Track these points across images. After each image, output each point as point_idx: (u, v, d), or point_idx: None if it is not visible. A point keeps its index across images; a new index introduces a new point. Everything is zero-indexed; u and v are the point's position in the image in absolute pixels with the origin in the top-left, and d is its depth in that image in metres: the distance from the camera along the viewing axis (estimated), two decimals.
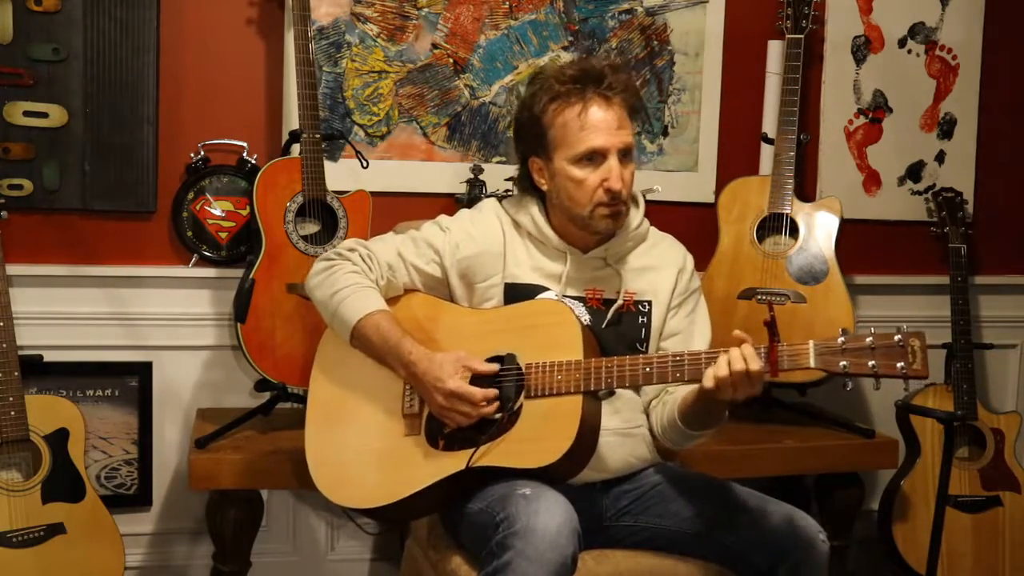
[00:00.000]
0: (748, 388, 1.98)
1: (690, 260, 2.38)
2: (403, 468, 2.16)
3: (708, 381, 1.99)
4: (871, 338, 1.92)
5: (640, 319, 2.29)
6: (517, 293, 2.26)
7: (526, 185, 2.33)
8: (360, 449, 2.22)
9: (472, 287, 2.28)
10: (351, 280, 2.23)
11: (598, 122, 2.18)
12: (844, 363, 1.93)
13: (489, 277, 2.27)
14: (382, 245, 2.32)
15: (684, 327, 2.33)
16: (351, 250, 2.30)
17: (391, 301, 2.27)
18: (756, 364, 1.95)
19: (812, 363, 1.94)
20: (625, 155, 2.21)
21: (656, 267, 2.33)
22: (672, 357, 2.07)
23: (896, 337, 1.92)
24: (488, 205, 2.37)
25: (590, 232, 2.25)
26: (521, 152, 2.32)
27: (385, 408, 2.23)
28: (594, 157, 2.19)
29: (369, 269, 2.27)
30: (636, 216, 2.33)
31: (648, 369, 2.08)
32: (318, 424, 2.27)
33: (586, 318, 2.24)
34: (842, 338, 1.94)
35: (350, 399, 2.26)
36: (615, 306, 2.27)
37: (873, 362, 1.91)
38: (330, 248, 2.68)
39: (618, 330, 2.27)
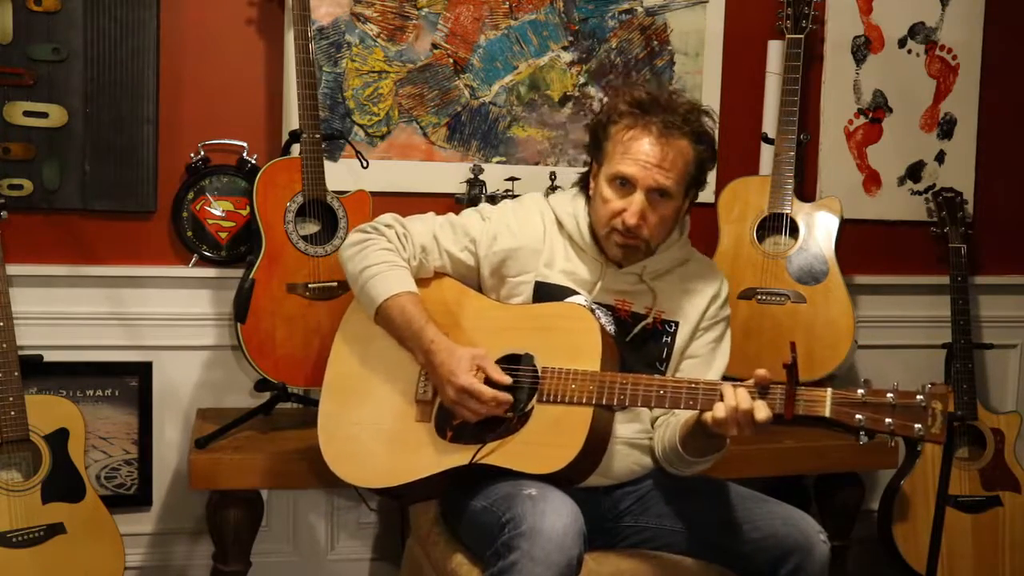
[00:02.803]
0: (754, 430, 1.97)
1: (725, 287, 2.36)
2: (409, 453, 2.17)
3: (719, 412, 1.97)
4: (892, 394, 1.88)
5: (664, 339, 2.28)
6: (547, 292, 2.25)
7: (584, 184, 2.33)
8: (371, 427, 2.23)
9: (503, 280, 2.28)
10: (383, 257, 2.24)
11: (640, 152, 2.16)
12: (860, 417, 1.89)
13: (522, 273, 2.27)
14: (420, 225, 2.32)
15: (705, 352, 2.32)
16: (388, 226, 2.30)
17: (422, 282, 2.27)
18: (764, 414, 1.94)
19: (828, 413, 1.92)
20: (661, 195, 2.17)
21: (691, 291, 2.31)
22: (687, 385, 2.05)
23: (918, 397, 1.87)
24: (532, 199, 2.36)
25: (607, 251, 2.25)
26: (588, 151, 2.33)
27: (400, 390, 2.24)
28: (625, 183, 2.17)
29: (403, 248, 2.27)
30: (678, 242, 2.31)
31: (662, 392, 2.06)
32: (333, 396, 2.29)
33: (612, 327, 2.23)
34: (862, 390, 1.91)
35: (367, 376, 2.27)
36: (643, 323, 2.26)
37: (890, 420, 1.87)
38: (330, 248, 2.70)
39: (641, 346, 2.26)
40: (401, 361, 2.24)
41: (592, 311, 2.22)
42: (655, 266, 2.28)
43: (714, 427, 1.99)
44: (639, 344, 2.26)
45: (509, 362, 2.18)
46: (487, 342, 2.19)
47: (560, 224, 2.30)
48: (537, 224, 2.30)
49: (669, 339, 2.28)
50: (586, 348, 2.12)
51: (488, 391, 2.09)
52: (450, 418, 2.17)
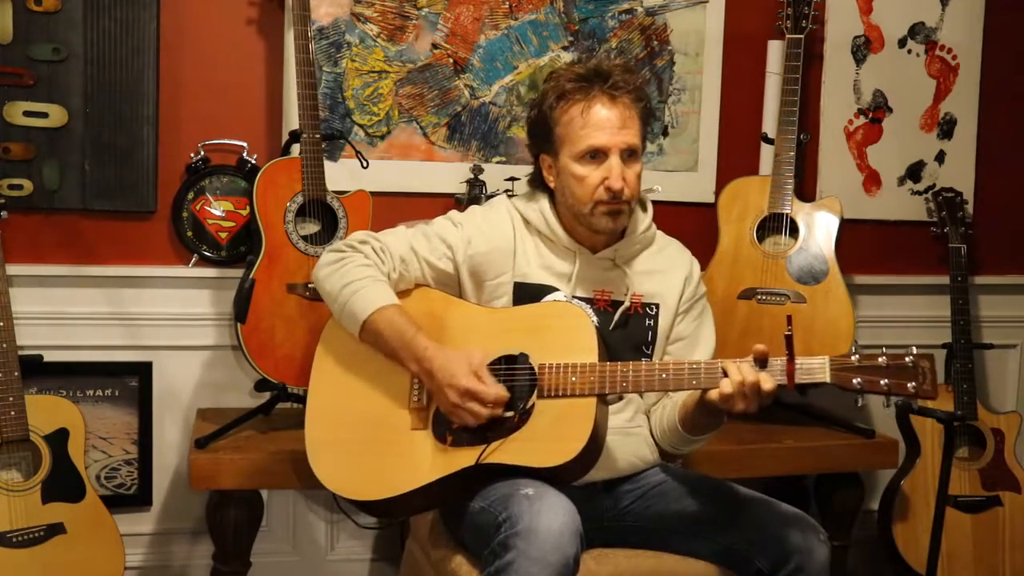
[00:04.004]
0: (760, 403, 2.00)
1: (696, 266, 2.40)
2: (409, 462, 2.15)
3: (726, 388, 2.00)
4: (883, 357, 1.97)
5: (647, 322, 2.30)
6: (526, 292, 2.26)
7: (537, 183, 2.34)
8: (364, 441, 2.20)
9: (482, 284, 2.28)
10: (363, 273, 2.21)
11: (601, 120, 2.19)
12: (858, 380, 1.96)
13: (499, 275, 2.27)
14: (394, 238, 2.30)
15: (690, 332, 2.34)
16: (363, 242, 2.28)
17: (402, 295, 2.26)
18: (771, 384, 1.98)
19: (827, 378, 1.98)
20: (630, 155, 2.21)
21: (663, 271, 2.34)
22: (689, 366, 2.07)
23: (907, 358, 1.96)
24: (500, 202, 2.37)
25: (592, 230, 2.25)
26: (532, 150, 2.34)
27: (391, 401, 2.21)
28: (596, 155, 2.20)
29: (381, 262, 2.25)
30: (644, 219, 2.33)
31: (664, 376, 2.08)
32: (320, 414, 2.26)
33: (594, 319, 2.24)
34: (856, 356, 1.98)
35: (354, 391, 2.24)
36: (622, 308, 2.27)
37: (886, 380, 1.96)
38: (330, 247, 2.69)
39: (624, 332, 2.27)
40: (388, 373, 2.21)
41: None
42: (626, 249, 2.30)
43: (720, 403, 2.02)
44: (623, 330, 2.27)
45: (504, 363, 2.18)
46: (479, 347, 2.18)
47: (527, 222, 2.31)
48: (507, 225, 2.30)
49: (652, 322, 2.30)
50: (581, 343, 2.13)
51: (491, 391, 2.09)
52: (448, 423, 2.16)
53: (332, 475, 2.20)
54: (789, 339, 1.98)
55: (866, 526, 3.32)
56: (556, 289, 2.26)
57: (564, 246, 2.28)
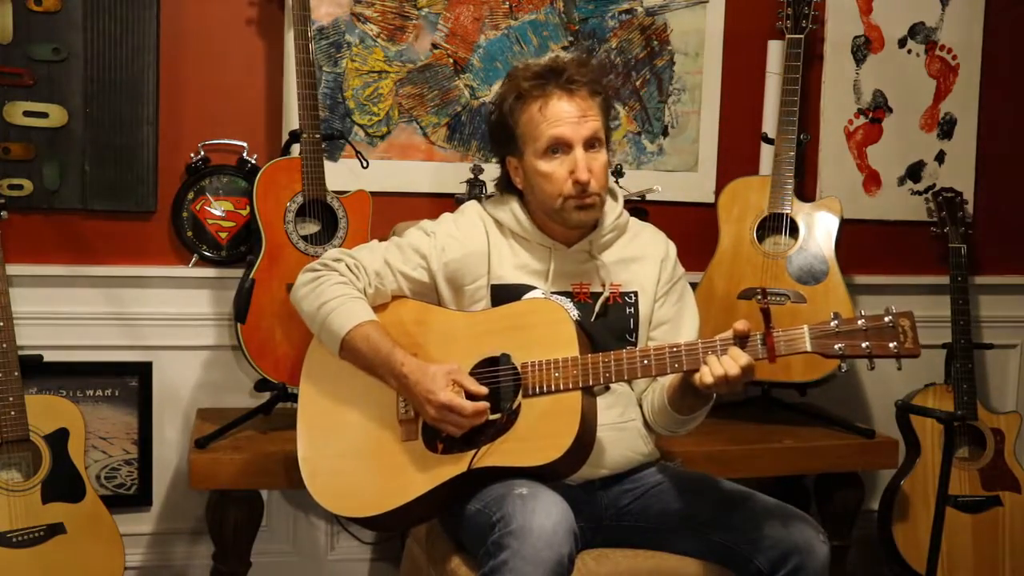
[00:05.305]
0: (741, 380, 2.00)
1: (672, 249, 2.40)
2: (403, 474, 2.15)
3: (707, 378, 2.00)
4: (862, 320, 1.97)
5: (627, 309, 2.30)
6: (503, 294, 2.26)
7: (505, 186, 2.35)
8: (357, 457, 2.21)
9: (460, 290, 2.29)
10: (338, 291, 2.22)
11: (559, 113, 2.20)
12: (839, 346, 1.97)
13: (476, 279, 2.28)
14: (368, 253, 2.32)
15: (672, 315, 2.35)
16: (337, 260, 2.29)
17: (379, 308, 2.27)
18: (744, 359, 1.98)
19: (808, 347, 1.98)
20: (593, 145, 2.22)
21: (639, 257, 2.35)
22: (670, 348, 2.08)
23: (886, 318, 1.96)
24: (470, 207, 2.38)
25: (566, 226, 2.26)
26: (497, 153, 2.36)
27: (379, 415, 2.21)
28: (559, 149, 2.21)
29: (356, 279, 2.26)
30: (615, 208, 2.35)
31: (646, 362, 2.09)
32: (310, 434, 2.25)
33: (575, 313, 2.25)
34: (835, 322, 1.98)
35: (342, 408, 2.25)
36: (602, 298, 2.28)
37: (867, 343, 1.96)
38: (330, 248, 2.69)
39: (607, 322, 2.28)
40: (374, 387, 2.21)
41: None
42: (600, 239, 2.31)
43: (703, 390, 2.03)
44: (605, 320, 2.28)
45: (486, 366, 2.18)
46: (460, 352, 2.18)
47: (499, 223, 2.32)
48: (479, 229, 2.31)
49: (632, 309, 2.31)
50: (561, 338, 2.13)
51: (468, 405, 2.09)
52: (437, 431, 2.16)
53: (329, 495, 2.20)
54: (766, 312, 1.98)
55: (866, 526, 3.32)
56: (533, 287, 2.27)
57: (538, 243, 2.29)
